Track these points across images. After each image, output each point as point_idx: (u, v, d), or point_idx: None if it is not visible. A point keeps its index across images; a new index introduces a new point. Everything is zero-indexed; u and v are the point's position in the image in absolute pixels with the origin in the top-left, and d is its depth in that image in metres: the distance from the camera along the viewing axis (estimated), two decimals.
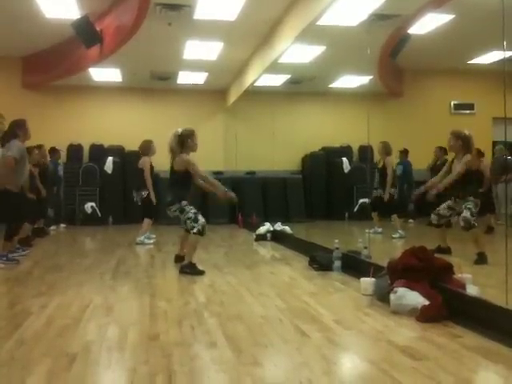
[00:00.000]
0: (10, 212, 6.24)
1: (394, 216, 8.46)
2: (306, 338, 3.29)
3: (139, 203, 8.27)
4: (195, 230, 5.56)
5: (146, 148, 8.33)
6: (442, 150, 8.17)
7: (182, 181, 5.73)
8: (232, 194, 5.89)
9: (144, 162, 8.21)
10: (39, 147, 9.11)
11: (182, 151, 5.71)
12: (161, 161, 7.80)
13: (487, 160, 8.54)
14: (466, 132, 6.10)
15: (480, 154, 8.22)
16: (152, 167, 8.28)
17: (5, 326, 3.63)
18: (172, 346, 3.11)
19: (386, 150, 8.62)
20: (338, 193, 12.21)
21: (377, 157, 9.28)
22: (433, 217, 6.38)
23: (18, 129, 6.31)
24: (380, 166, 8.73)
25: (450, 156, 6.68)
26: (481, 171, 7.62)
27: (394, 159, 8.77)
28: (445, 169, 6.31)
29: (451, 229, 6.66)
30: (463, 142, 6.03)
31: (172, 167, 5.79)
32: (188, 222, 5.61)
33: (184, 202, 5.63)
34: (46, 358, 2.90)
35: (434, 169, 8.14)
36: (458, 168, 5.98)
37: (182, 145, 5.72)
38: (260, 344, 3.17)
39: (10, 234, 6.33)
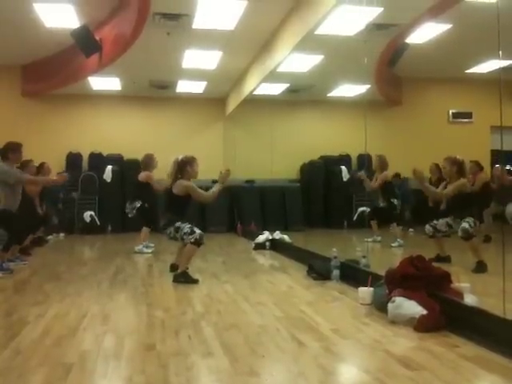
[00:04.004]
0: (12, 227, 6.25)
1: (394, 224, 8.46)
2: (303, 347, 3.28)
3: (130, 215, 8.29)
4: (192, 240, 5.55)
5: (147, 163, 8.30)
6: (438, 168, 8.19)
7: (179, 205, 5.75)
8: (223, 179, 5.82)
9: (146, 175, 8.18)
10: (41, 165, 9.09)
11: (182, 177, 5.73)
12: (161, 169, 7.81)
13: (485, 173, 8.54)
14: (460, 158, 6.22)
15: (479, 166, 8.26)
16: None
17: (1, 335, 3.62)
18: (169, 355, 3.10)
19: (382, 164, 8.58)
20: (336, 201, 12.19)
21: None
22: (428, 228, 6.43)
23: (11, 152, 6.23)
24: (377, 184, 8.57)
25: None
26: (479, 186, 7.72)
27: (389, 174, 8.72)
28: (440, 188, 6.35)
29: (450, 238, 6.67)
30: (458, 168, 6.14)
31: (170, 190, 5.80)
32: (185, 236, 5.61)
33: (178, 223, 5.65)
34: (42, 368, 2.89)
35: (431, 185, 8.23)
36: (450, 189, 6.05)
37: (181, 171, 5.74)
38: (257, 353, 3.16)
39: (8, 246, 6.32)
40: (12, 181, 6.14)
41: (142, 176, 8.21)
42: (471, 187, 6.55)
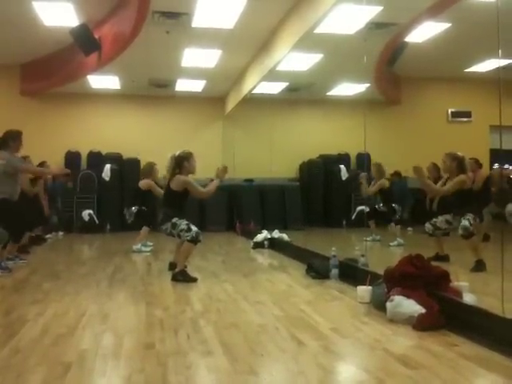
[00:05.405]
0: (11, 221, 6.22)
1: (392, 224, 8.49)
2: (302, 346, 3.28)
3: (130, 221, 8.32)
4: (189, 237, 5.57)
5: (147, 172, 8.31)
6: (436, 167, 8.18)
7: (176, 200, 5.74)
8: (221, 175, 5.88)
9: (147, 184, 8.16)
10: (41, 164, 9.08)
11: (180, 173, 5.71)
12: (161, 169, 7.80)
13: (485, 171, 8.52)
14: (460, 154, 6.19)
15: (478, 164, 8.23)
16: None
17: (0, 333, 3.61)
18: (168, 354, 3.10)
19: (380, 172, 8.70)
20: (335, 200, 12.19)
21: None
22: (428, 226, 6.42)
23: (11, 140, 6.23)
24: (373, 189, 8.70)
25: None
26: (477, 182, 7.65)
27: (386, 181, 8.76)
28: (439, 184, 6.34)
29: (449, 236, 6.68)
30: (458, 164, 6.10)
31: (168, 186, 5.79)
32: (182, 233, 5.62)
33: (175, 219, 5.64)
34: (41, 367, 2.89)
35: None
36: (450, 185, 6.02)
37: (179, 167, 5.72)
38: (256, 352, 3.16)
39: (5, 242, 6.31)
40: (11, 170, 6.14)
41: (143, 184, 8.21)
42: (472, 185, 6.48)
